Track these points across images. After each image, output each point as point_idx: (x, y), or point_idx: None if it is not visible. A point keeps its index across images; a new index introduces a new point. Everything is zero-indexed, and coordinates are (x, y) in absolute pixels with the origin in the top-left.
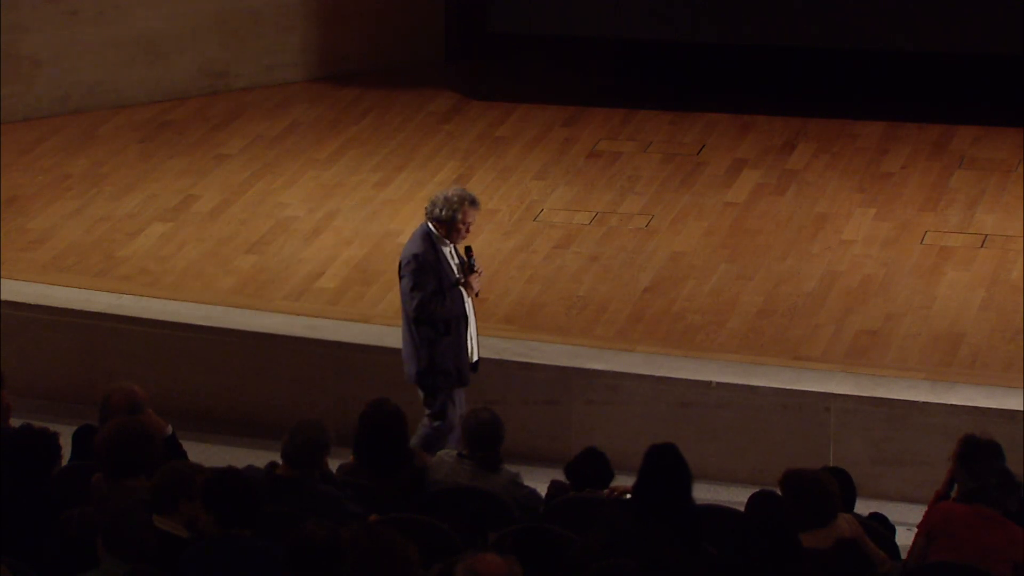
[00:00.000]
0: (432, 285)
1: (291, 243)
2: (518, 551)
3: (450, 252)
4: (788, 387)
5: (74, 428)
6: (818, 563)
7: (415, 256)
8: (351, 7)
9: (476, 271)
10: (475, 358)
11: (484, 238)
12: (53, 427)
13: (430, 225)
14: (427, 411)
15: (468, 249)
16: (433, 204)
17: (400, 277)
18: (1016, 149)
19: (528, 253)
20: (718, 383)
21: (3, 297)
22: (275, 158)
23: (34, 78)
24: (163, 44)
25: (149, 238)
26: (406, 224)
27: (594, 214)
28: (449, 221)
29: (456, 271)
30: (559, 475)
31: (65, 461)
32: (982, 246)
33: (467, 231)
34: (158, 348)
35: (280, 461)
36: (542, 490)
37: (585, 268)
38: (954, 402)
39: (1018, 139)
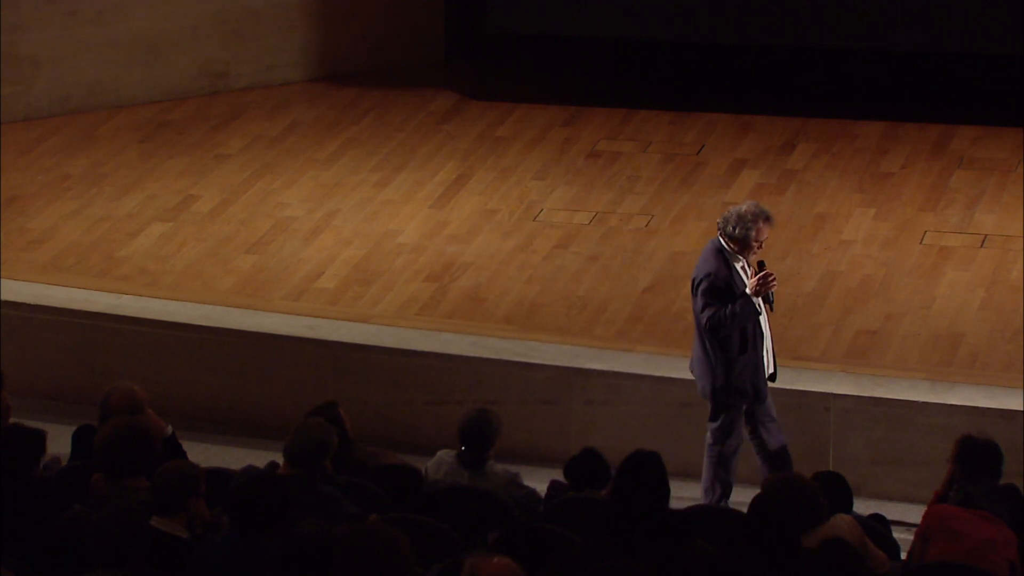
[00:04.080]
0: (724, 304)
1: (290, 243)
2: (517, 551)
3: (742, 267)
4: (788, 387)
5: (74, 428)
6: (813, 564)
7: (708, 275)
8: (351, 7)
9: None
10: (771, 369)
11: (483, 238)
12: (53, 427)
13: (722, 241)
14: (709, 425)
15: (761, 264)
16: (726, 220)
17: (693, 295)
18: (1016, 149)
19: (528, 253)
20: None
21: (3, 297)
22: (275, 158)
23: (34, 78)
24: (163, 44)
25: (149, 238)
26: (405, 224)
27: (594, 214)
28: (742, 239)
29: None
30: (559, 475)
31: (65, 461)
32: (982, 246)
33: (760, 247)
34: (158, 348)
35: (280, 460)
36: (542, 490)
37: (585, 268)
38: (954, 402)
39: (1018, 139)
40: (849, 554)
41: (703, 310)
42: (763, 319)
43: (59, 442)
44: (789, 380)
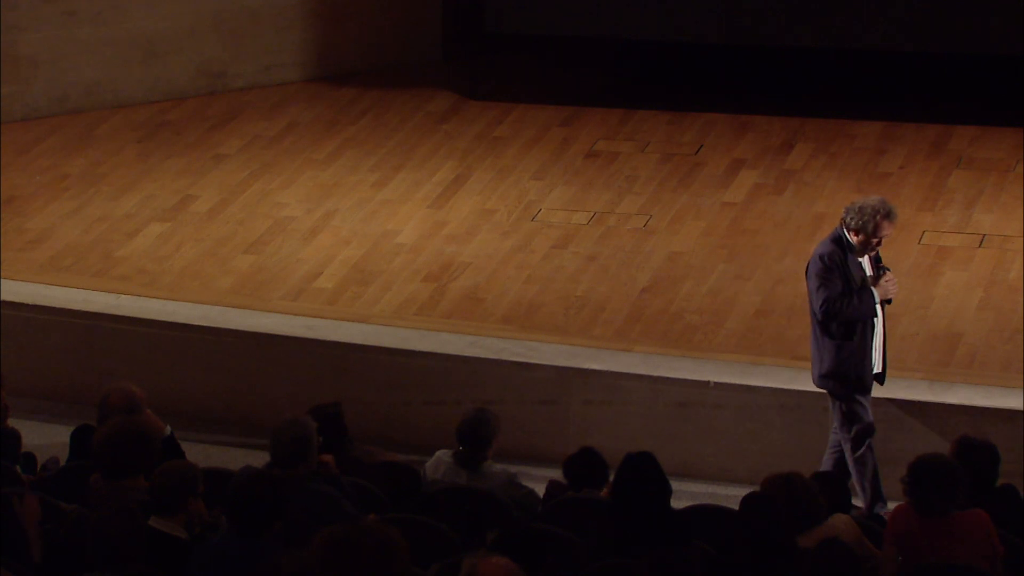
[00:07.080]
0: (839, 286)
1: (289, 243)
2: (516, 551)
3: (861, 260)
4: (786, 387)
5: (72, 428)
6: (809, 563)
7: (821, 257)
8: (349, 7)
9: (884, 274)
10: (877, 368)
11: (482, 238)
12: (51, 427)
13: (844, 231)
14: (833, 425)
15: (878, 260)
16: (848, 211)
17: (807, 279)
18: (1014, 149)
19: (526, 253)
20: (716, 383)
21: (1, 297)
22: (273, 158)
23: (32, 78)
24: (161, 44)
25: (147, 238)
26: (404, 224)
27: (592, 214)
28: (859, 230)
29: (865, 276)
30: (557, 475)
31: (64, 461)
32: (980, 246)
33: (879, 243)
34: (156, 348)
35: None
36: (540, 490)
37: (583, 268)
38: (952, 402)
39: (1016, 139)
40: (846, 554)
41: (817, 291)
42: (877, 317)
43: (58, 442)
44: (787, 380)
